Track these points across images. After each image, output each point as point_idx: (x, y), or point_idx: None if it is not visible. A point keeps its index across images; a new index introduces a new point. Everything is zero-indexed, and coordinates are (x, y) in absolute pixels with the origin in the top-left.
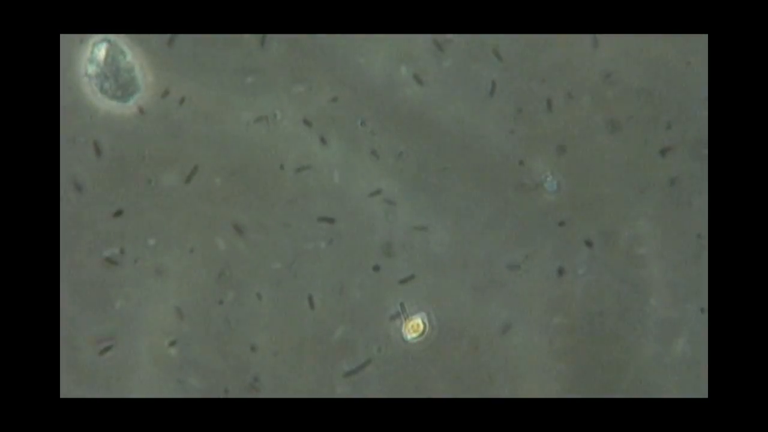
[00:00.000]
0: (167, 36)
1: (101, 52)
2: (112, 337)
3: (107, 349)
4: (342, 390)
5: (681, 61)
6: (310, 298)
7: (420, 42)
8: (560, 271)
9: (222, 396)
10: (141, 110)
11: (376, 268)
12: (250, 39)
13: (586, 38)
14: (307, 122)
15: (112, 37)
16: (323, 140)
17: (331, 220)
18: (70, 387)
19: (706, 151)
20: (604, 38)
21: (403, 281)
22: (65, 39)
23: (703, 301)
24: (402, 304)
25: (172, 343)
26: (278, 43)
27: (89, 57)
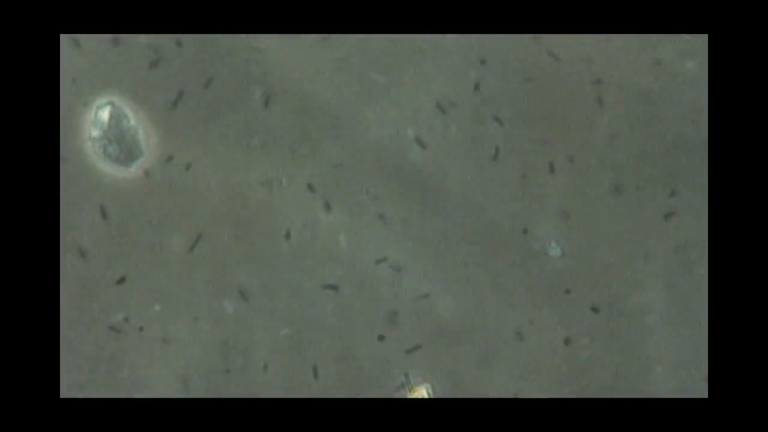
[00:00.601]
0: (171, 98)
1: (105, 114)
2: None
3: None
4: None
5: (686, 120)
6: (315, 369)
7: (424, 106)
8: (566, 341)
9: None
10: (146, 174)
11: (381, 338)
12: (254, 100)
13: (590, 98)
14: (311, 187)
15: (116, 100)
16: (328, 205)
17: (335, 288)
18: None
19: (707, 217)
20: (609, 97)
21: (408, 351)
22: (69, 103)
23: (706, 370)
24: (407, 375)
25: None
26: (282, 104)
27: (93, 120)
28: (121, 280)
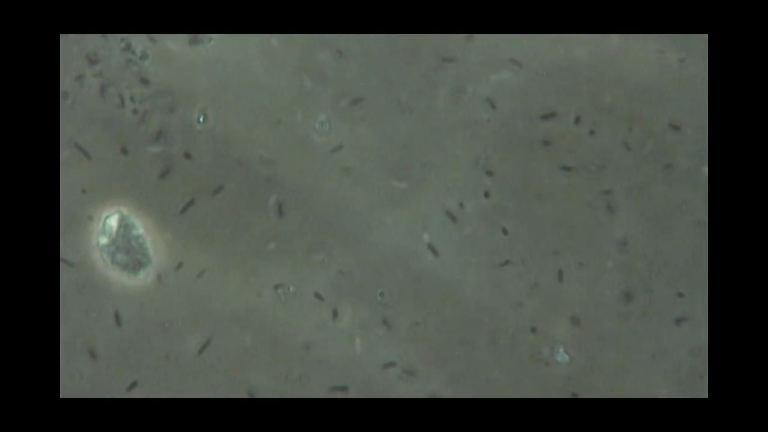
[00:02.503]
0: (180, 206)
1: (113, 223)
2: None
3: None
4: None
5: (691, 219)
6: None
7: (434, 213)
8: None
9: None
10: (158, 280)
11: None
12: (267, 209)
13: (601, 206)
14: (319, 296)
15: (124, 209)
16: (336, 313)
17: (344, 389)
18: None
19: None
20: (621, 204)
21: None
22: (78, 212)
23: None
24: None
25: None
26: (295, 211)
27: (101, 228)
28: (133, 385)
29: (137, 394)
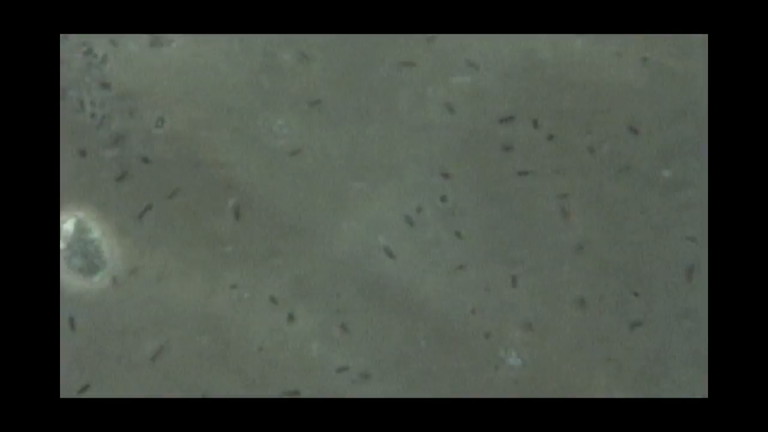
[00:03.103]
0: (137, 209)
1: (69, 227)
2: None
3: None
4: None
5: (649, 223)
6: None
7: (391, 217)
8: None
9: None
10: (113, 283)
11: None
12: (225, 212)
13: (557, 210)
14: (275, 299)
15: (80, 213)
16: (291, 316)
17: (297, 393)
18: None
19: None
20: (577, 208)
21: None
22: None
23: None
24: None
25: None
26: (253, 215)
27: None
28: (85, 388)
29: (89, 396)
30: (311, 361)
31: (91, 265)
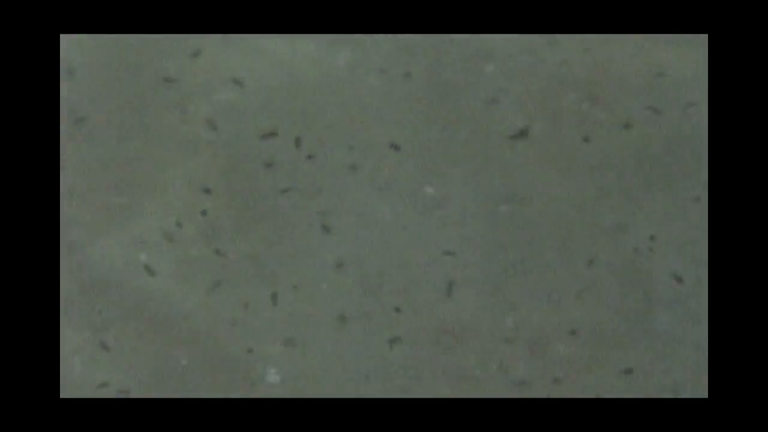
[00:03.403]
0: None
1: None
2: None
3: None
4: None
5: (409, 238)
6: None
7: (151, 232)
8: None
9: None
10: None
11: None
12: None
13: (317, 226)
14: None
15: None
16: None
17: None
18: None
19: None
20: (336, 226)
21: None
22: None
23: None
24: None
25: None
26: None
27: None
28: None
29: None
30: (73, 378)
31: None
